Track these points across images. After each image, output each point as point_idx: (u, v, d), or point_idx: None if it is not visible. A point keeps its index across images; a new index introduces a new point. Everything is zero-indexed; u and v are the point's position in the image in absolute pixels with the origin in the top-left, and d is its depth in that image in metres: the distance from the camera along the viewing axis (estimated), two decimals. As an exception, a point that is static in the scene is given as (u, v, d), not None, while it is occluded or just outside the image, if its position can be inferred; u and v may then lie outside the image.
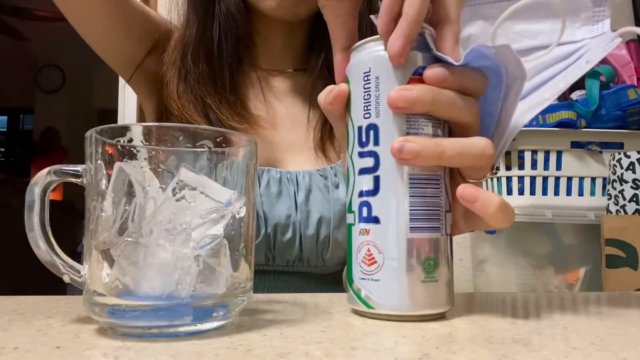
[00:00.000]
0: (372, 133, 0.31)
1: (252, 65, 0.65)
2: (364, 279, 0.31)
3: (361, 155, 0.31)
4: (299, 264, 0.57)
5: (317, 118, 0.63)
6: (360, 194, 0.31)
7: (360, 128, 0.31)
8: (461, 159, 0.30)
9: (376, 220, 0.30)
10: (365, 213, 0.31)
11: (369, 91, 0.31)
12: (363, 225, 0.31)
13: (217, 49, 0.60)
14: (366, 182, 0.31)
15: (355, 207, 0.32)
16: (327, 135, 0.62)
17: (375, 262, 0.30)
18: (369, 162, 0.31)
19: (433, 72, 0.30)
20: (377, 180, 0.30)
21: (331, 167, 0.60)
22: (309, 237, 0.56)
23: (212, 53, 0.60)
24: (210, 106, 0.58)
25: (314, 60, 0.63)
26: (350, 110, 0.32)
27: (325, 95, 0.33)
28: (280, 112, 0.64)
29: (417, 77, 0.30)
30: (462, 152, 0.30)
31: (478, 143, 0.30)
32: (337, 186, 0.59)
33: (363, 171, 0.31)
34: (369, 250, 0.30)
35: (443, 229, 0.31)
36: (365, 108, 0.31)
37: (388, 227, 0.30)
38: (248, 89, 0.64)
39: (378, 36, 0.31)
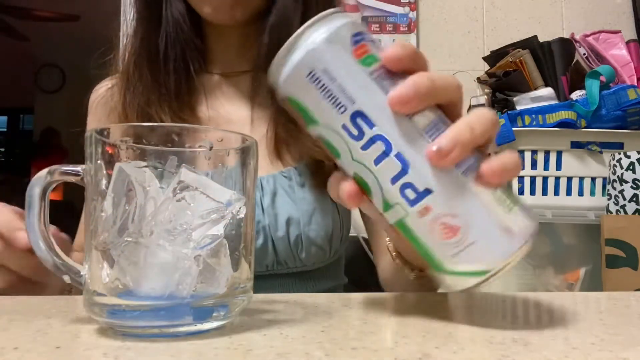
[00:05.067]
0: (360, 120, 0.28)
1: (204, 70, 0.64)
2: (458, 252, 0.27)
3: (365, 147, 0.28)
4: (277, 267, 0.58)
5: (268, 120, 0.62)
6: (393, 181, 0.28)
7: (345, 126, 0.28)
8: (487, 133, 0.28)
9: (428, 191, 0.27)
10: (412, 194, 0.27)
11: (328, 87, 0.28)
12: (419, 206, 0.27)
13: (162, 56, 0.60)
14: (391, 166, 0.28)
15: (396, 198, 0.28)
16: (281, 138, 0.61)
17: (458, 227, 0.27)
18: (379, 147, 0.28)
19: (391, 53, 0.28)
20: (400, 156, 0.27)
21: (295, 168, 0.60)
22: (280, 239, 0.56)
23: (157, 61, 0.60)
24: (153, 116, 0.58)
25: (258, 60, 0.61)
26: (317, 122, 0.29)
27: (336, 194, 0.31)
28: (233, 116, 0.63)
29: (361, 44, 0.28)
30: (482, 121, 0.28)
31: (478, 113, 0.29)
32: (302, 185, 0.59)
33: (379, 159, 0.28)
34: (443, 223, 0.27)
35: (479, 157, 0.28)
36: (336, 104, 0.28)
37: (444, 188, 0.27)
38: (198, 95, 0.64)
39: (297, 31, 0.28)
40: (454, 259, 0.28)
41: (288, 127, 0.59)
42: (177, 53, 0.60)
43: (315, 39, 0.28)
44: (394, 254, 0.42)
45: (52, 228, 0.41)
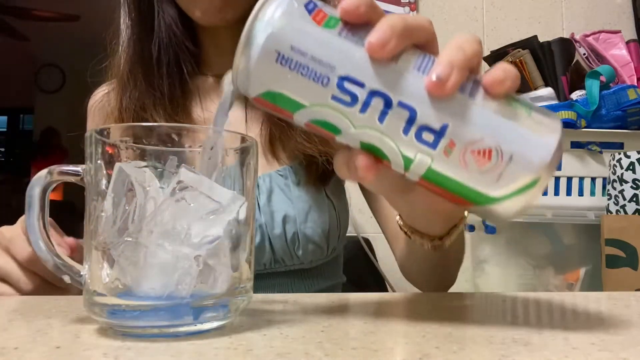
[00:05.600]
0: (348, 84, 0.26)
1: (198, 72, 0.65)
2: (501, 174, 0.26)
3: (364, 109, 0.26)
4: (275, 265, 0.58)
5: (261, 120, 0.63)
6: (406, 131, 0.26)
7: (334, 96, 0.26)
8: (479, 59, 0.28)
9: (445, 126, 0.26)
10: (430, 136, 0.26)
11: (302, 63, 0.26)
12: (442, 145, 0.26)
13: (156, 61, 0.61)
14: (397, 117, 0.26)
15: (415, 147, 0.26)
16: (275, 137, 0.62)
17: (489, 149, 0.26)
18: (378, 103, 0.26)
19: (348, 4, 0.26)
20: (402, 103, 0.26)
21: (291, 167, 0.60)
22: (277, 237, 0.57)
23: (151, 66, 0.61)
24: (148, 120, 0.59)
25: None
26: (303, 105, 0.27)
27: (346, 173, 0.29)
28: (232, 117, 0.64)
29: (317, 10, 0.26)
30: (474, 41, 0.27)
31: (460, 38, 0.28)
32: (298, 183, 0.60)
33: (383, 115, 0.26)
34: (473, 152, 0.26)
35: (477, 77, 0.27)
36: (318, 78, 0.26)
37: (459, 116, 0.26)
38: (193, 97, 0.65)
39: (246, 25, 0.26)
40: (499, 183, 0.26)
41: (278, 124, 0.60)
42: (170, 57, 0.62)
43: (269, 20, 0.26)
44: (406, 230, 0.41)
45: (71, 240, 0.43)
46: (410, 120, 0.26)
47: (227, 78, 0.30)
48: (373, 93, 0.26)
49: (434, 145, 0.26)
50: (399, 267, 0.61)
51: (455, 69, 0.25)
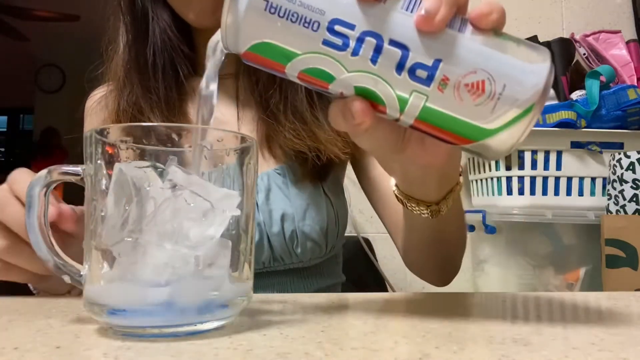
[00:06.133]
0: (339, 27, 0.26)
1: (194, 74, 0.65)
2: (495, 105, 0.26)
3: (356, 52, 0.26)
4: (274, 263, 0.58)
5: (254, 119, 0.63)
6: (399, 70, 0.26)
7: (326, 41, 0.26)
8: None
9: (437, 61, 0.26)
10: (423, 72, 0.26)
11: (291, 10, 0.25)
12: (436, 81, 0.26)
13: (151, 66, 0.62)
14: (390, 56, 0.26)
15: (409, 85, 0.26)
16: (271, 134, 0.62)
17: (482, 81, 0.26)
18: (369, 44, 0.26)
19: None
20: (393, 42, 0.26)
21: (289, 165, 0.61)
22: (275, 235, 0.57)
23: (147, 71, 0.62)
24: (145, 122, 0.60)
25: (239, 61, 0.62)
26: (296, 53, 0.26)
27: (342, 122, 0.29)
28: (223, 116, 0.65)
29: None
30: None
31: None
32: (295, 182, 0.60)
33: (375, 56, 0.26)
34: (467, 85, 0.26)
35: (464, 15, 0.28)
36: (308, 23, 0.26)
37: (450, 50, 0.26)
38: (189, 99, 0.65)
39: None
40: (495, 114, 0.27)
41: (267, 122, 0.60)
42: (165, 61, 0.62)
43: None
44: (402, 198, 0.41)
45: (66, 207, 0.40)
46: (403, 59, 0.26)
47: (214, 40, 0.30)
48: (364, 34, 0.26)
49: (427, 82, 0.26)
50: (402, 257, 0.61)
51: (443, 4, 0.26)
